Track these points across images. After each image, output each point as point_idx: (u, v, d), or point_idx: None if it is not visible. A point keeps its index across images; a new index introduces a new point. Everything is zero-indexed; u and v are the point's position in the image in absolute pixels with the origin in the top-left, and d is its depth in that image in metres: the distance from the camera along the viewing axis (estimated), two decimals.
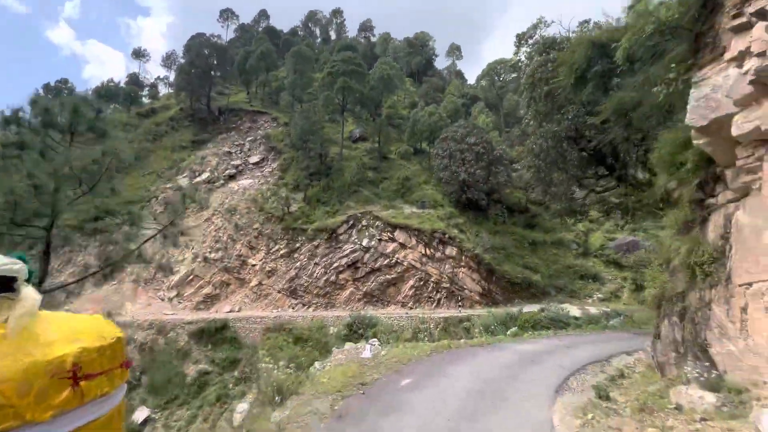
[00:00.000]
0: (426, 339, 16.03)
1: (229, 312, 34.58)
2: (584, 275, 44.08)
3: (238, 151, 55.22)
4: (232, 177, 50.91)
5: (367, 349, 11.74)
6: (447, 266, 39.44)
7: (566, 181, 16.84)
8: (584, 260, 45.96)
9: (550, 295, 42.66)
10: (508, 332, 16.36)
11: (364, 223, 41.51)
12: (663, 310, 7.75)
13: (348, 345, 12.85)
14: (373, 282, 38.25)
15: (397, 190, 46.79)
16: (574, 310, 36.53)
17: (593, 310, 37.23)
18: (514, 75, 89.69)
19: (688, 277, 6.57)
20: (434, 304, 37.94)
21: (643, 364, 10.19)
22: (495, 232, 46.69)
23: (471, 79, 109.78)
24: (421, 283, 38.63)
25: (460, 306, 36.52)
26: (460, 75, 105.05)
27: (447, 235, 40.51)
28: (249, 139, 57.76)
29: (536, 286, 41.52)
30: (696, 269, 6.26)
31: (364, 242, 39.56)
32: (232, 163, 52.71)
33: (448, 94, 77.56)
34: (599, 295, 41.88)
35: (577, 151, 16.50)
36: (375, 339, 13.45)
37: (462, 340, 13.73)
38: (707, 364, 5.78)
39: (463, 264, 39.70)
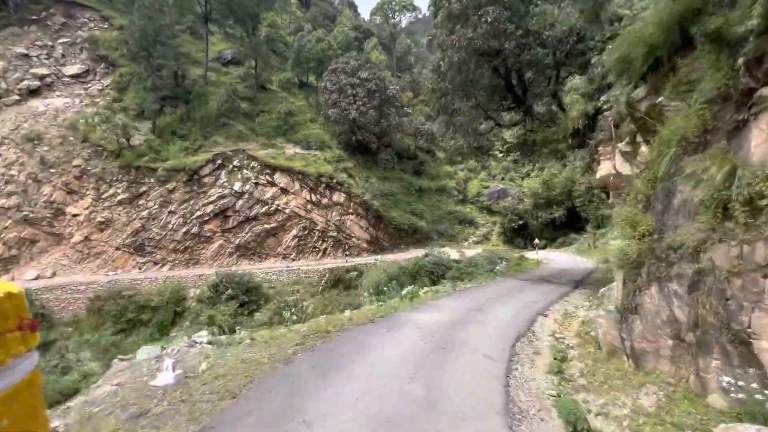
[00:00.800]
0: (295, 318, 12.56)
1: (36, 279, 25.15)
2: (462, 220, 47.01)
3: (45, 56, 39.00)
4: (34, 92, 35.93)
5: (166, 369, 6.23)
6: (334, 213, 36.45)
7: (473, 110, 14.94)
8: (463, 206, 48.91)
9: (433, 239, 44.44)
10: (404, 292, 14.27)
11: (236, 163, 34.53)
12: (649, 271, 5.90)
13: (145, 351, 7.98)
14: (248, 233, 32.83)
15: (278, 127, 40.17)
16: (453, 254, 38.50)
17: (469, 252, 40.02)
18: (409, 15, 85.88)
19: (713, 221, 4.62)
20: (320, 255, 35.09)
21: (574, 334, 8.79)
22: (384, 178, 45.23)
23: (364, 12, 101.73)
24: (306, 232, 34.97)
25: (347, 255, 34.48)
26: (352, 6, 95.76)
27: (335, 180, 37.00)
28: (63, 41, 41.15)
29: (421, 231, 42.43)
30: (736, 208, 4.24)
31: (237, 186, 33.10)
32: (34, 71, 37.02)
33: (339, 24, 69.51)
34: (474, 238, 45.51)
35: (490, 72, 14.48)
36: (202, 334, 8.72)
37: (346, 314, 10.62)
38: (751, 367, 3.96)
39: (351, 211, 37.26)
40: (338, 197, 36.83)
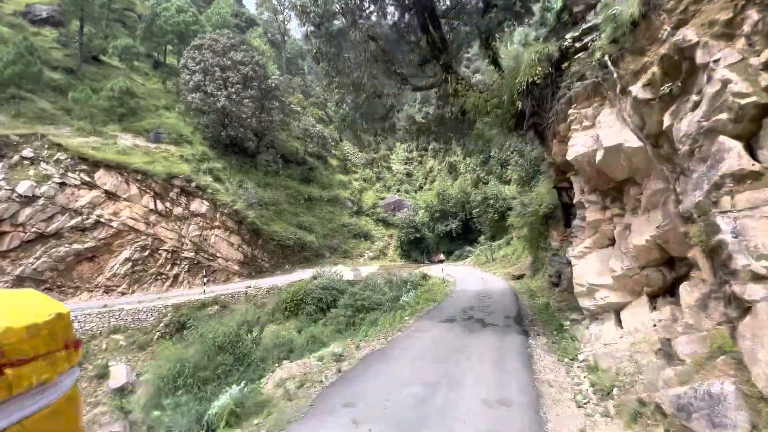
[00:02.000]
0: None
1: None
2: (357, 234, 42.55)
3: None
4: None
5: None
6: (193, 227, 27.59)
7: (371, 61, 10.30)
8: (358, 219, 44.64)
9: (324, 257, 38.72)
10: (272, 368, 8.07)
11: (26, 153, 23.05)
12: None
13: None
14: (41, 258, 21.69)
15: (109, 110, 29.31)
16: (347, 272, 33.39)
17: (366, 269, 35.51)
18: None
19: None
20: (167, 284, 25.74)
21: None
22: (266, 184, 37.82)
23: (250, 6, 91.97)
24: (146, 253, 25.27)
25: (205, 283, 26.02)
26: None
27: (194, 184, 28.26)
28: None
29: (310, 247, 36.28)
30: None
31: (22, 188, 21.78)
32: None
33: (215, 4, 59.46)
34: (370, 254, 41.46)
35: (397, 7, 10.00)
36: None
37: None
38: None
39: (217, 224, 28.89)
40: (199, 206, 28.14)
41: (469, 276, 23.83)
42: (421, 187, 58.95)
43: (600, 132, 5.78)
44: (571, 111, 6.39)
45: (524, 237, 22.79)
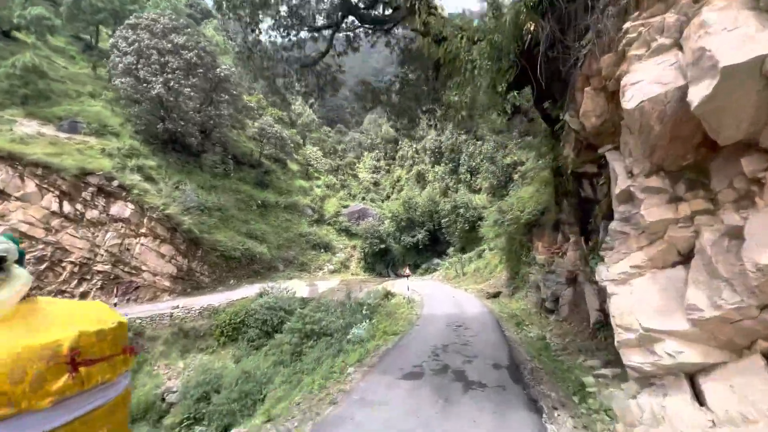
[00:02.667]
0: None
1: None
2: (317, 244, 38.78)
3: None
4: None
5: None
6: (111, 234, 22.82)
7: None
8: (318, 228, 40.93)
9: (277, 270, 34.58)
10: None
11: None
12: None
13: None
14: None
15: (9, 91, 24.11)
16: (302, 288, 29.62)
17: (324, 285, 31.83)
18: None
19: None
20: None
21: None
22: (212, 186, 33.41)
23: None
24: (43, 266, 20.28)
25: (116, 303, 21.23)
26: None
27: (117, 183, 23.56)
28: None
29: (261, 259, 32.08)
30: None
31: None
32: None
33: None
34: (330, 266, 37.78)
35: None
36: None
37: None
38: None
39: (144, 231, 24.25)
40: (121, 209, 23.44)
41: (438, 293, 21.00)
42: (388, 197, 56.30)
43: (706, 42, 3.02)
44: (629, 25, 3.77)
45: (501, 249, 20.41)
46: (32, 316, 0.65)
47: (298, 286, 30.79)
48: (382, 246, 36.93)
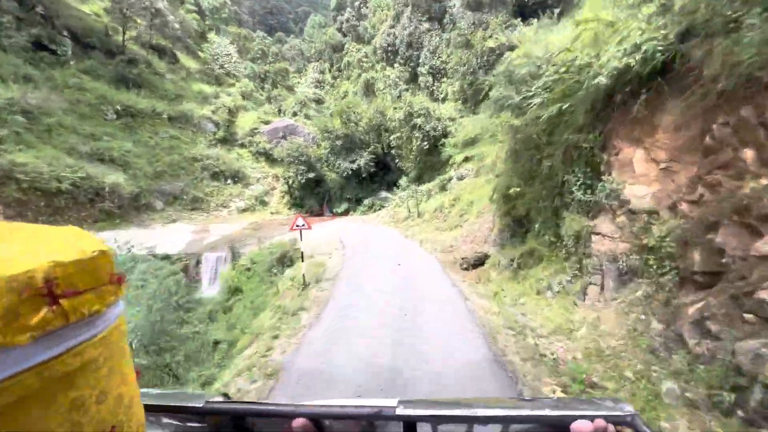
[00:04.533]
0: None
1: None
2: (220, 173, 27.82)
3: None
4: None
5: None
6: None
7: None
8: (224, 150, 29.54)
9: (153, 209, 23.90)
10: None
11: None
12: None
13: None
14: None
15: None
16: (181, 237, 19.86)
17: (219, 231, 21.96)
18: None
19: None
20: None
21: None
22: (25, 77, 20.62)
23: None
24: None
25: None
26: None
27: None
28: None
29: (119, 195, 21.07)
30: None
31: None
32: None
33: None
34: (240, 203, 27.55)
35: None
36: None
37: None
38: None
39: None
40: None
41: (377, 252, 12.29)
42: (331, 116, 44.69)
43: None
44: None
45: (492, 168, 11.57)
46: None
47: (180, 233, 20.79)
48: (312, 175, 26.94)
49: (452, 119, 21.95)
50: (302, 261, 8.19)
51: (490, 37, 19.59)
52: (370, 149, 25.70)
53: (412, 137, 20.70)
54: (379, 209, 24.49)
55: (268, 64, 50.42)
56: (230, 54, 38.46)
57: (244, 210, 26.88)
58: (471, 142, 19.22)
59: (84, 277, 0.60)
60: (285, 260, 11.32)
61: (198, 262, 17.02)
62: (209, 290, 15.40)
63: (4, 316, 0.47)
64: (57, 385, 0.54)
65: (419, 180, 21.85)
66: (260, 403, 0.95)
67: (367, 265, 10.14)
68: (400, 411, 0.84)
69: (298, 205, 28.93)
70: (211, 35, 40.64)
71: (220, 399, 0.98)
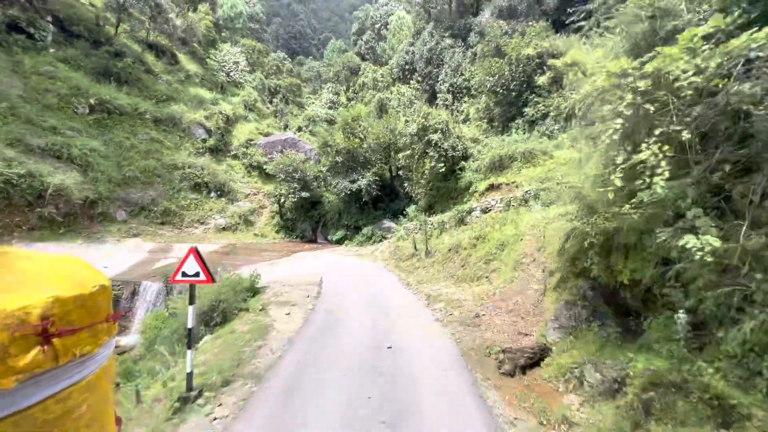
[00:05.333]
0: None
1: None
2: (202, 184, 24.34)
3: None
4: None
5: None
6: None
7: None
8: (212, 159, 26.25)
9: (112, 220, 20.35)
10: None
11: None
12: None
13: None
14: None
15: None
16: (123, 261, 16.09)
17: (179, 253, 18.03)
18: None
19: None
20: None
21: None
22: None
23: None
24: None
25: None
26: None
27: None
28: None
29: (66, 200, 17.54)
30: None
31: None
32: None
33: None
34: (220, 220, 23.81)
35: None
36: None
37: None
38: None
39: None
40: None
41: (360, 314, 8.16)
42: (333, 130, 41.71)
43: None
44: None
45: (565, 196, 7.45)
46: None
47: (127, 253, 16.96)
48: (305, 194, 23.22)
49: (475, 140, 18.22)
50: (189, 348, 4.03)
51: (529, 43, 16.16)
52: (374, 169, 21.97)
53: (425, 156, 16.91)
54: (380, 241, 20.41)
55: (280, 79, 48.57)
56: (238, 62, 36.22)
57: (224, 229, 23.09)
58: (499, 167, 15.35)
59: (81, 314, 0.55)
60: (214, 316, 7.19)
61: (134, 293, 12.99)
62: (132, 337, 11.25)
63: None
64: None
65: (430, 209, 17.85)
66: None
67: (336, 344, 5.96)
68: None
69: (288, 229, 25.06)
70: (224, 46, 38.77)
71: None
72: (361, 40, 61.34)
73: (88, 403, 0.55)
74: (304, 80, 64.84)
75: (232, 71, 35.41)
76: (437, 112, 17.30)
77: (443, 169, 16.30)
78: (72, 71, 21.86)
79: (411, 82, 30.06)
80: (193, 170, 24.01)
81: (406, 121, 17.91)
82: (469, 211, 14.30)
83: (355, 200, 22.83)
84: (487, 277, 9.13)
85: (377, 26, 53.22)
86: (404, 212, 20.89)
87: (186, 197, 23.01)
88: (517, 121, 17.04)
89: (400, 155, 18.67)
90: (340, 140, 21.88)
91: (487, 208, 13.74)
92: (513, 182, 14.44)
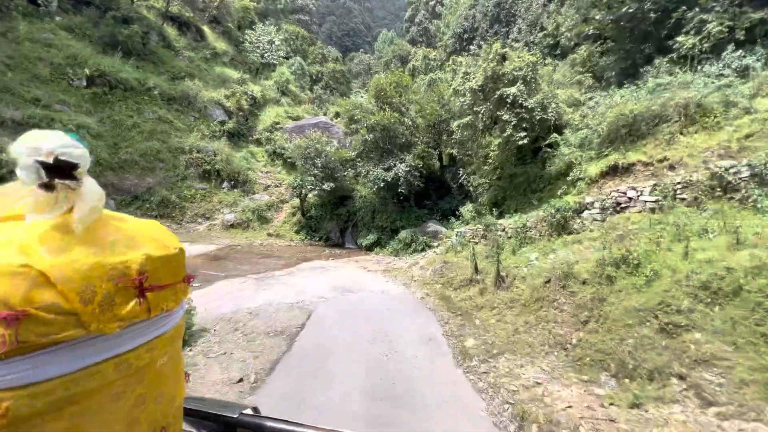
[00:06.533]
0: None
1: None
2: (213, 173, 20.53)
3: None
4: None
5: None
6: None
7: None
8: (231, 145, 22.43)
9: (105, 206, 17.20)
10: None
11: None
12: None
13: None
14: None
15: None
16: None
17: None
18: None
19: None
20: None
21: None
22: None
23: None
24: None
25: None
26: None
27: None
28: None
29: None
30: None
31: None
32: None
33: None
34: (230, 215, 19.77)
35: None
36: None
37: None
38: None
39: None
40: None
41: None
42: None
43: None
44: None
45: None
46: (98, 232, 0.57)
47: None
48: (329, 186, 18.26)
49: (574, 103, 11.79)
50: None
51: None
52: (417, 151, 16.30)
53: (492, 127, 10.91)
54: (422, 250, 14.72)
55: (324, 66, 44.83)
56: (273, 41, 32.63)
57: (233, 226, 18.93)
58: (628, 135, 8.89)
59: (167, 273, 0.61)
60: None
61: None
62: None
63: (101, 303, 0.50)
64: (129, 378, 0.53)
65: (497, 208, 11.75)
66: (294, 423, 0.88)
67: None
68: None
69: (310, 229, 20.31)
70: (260, 26, 35.64)
71: (251, 413, 0.92)
72: (413, 25, 56.26)
73: (169, 355, 0.61)
74: (354, 74, 61.21)
75: (266, 52, 31.88)
76: (516, 53, 11.14)
77: (525, 142, 10.12)
78: (74, 40, 19.16)
79: (471, 47, 23.86)
80: (203, 155, 20.25)
81: (465, 74, 11.93)
82: (578, 211, 8.07)
83: (393, 195, 17.33)
84: (684, 388, 3.11)
85: (431, 3, 47.47)
86: (457, 212, 14.96)
87: (191, 187, 19.24)
88: (657, 61, 10.35)
89: (455, 125, 12.77)
90: (374, 113, 16.45)
91: (618, 204, 7.45)
92: (663, 159, 7.95)
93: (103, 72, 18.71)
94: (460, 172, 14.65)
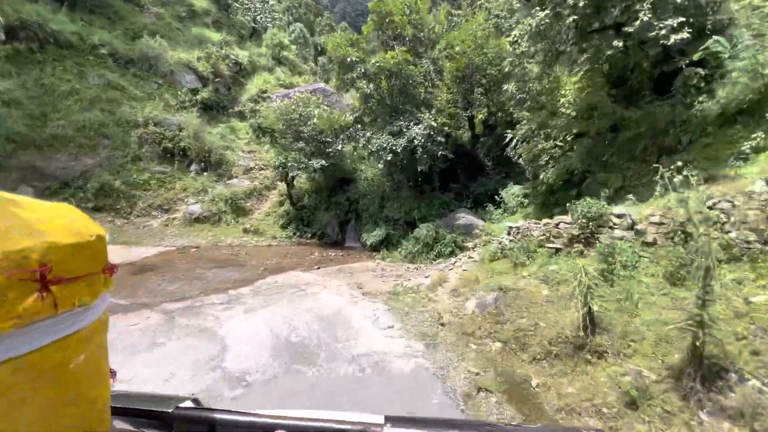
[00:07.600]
0: None
1: None
2: (176, 152, 16.10)
3: None
4: None
5: None
6: None
7: None
8: (205, 119, 17.95)
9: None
10: None
11: None
12: None
13: None
14: None
15: None
16: None
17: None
18: None
19: None
20: None
21: None
22: None
23: None
24: None
25: None
26: None
27: None
28: None
29: None
30: None
31: None
32: None
33: None
34: (195, 207, 15.45)
35: None
36: None
37: None
38: None
39: None
40: None
41: None
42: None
43: None
44: None
45: None
46: None
47: None
48: (319, 163, 13.44)
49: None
50: None
51: None
52: (440, 106, 11.20)
53: (539, 97, 5.74)
54: (450, 254, 9.82)
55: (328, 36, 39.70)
56: (267, 2, 27.69)
57: (198, 220, 14.47)
58: None
59: (79, 263, 0.54)
60: None
61: None
62: None
63: None
64: (32, 382, 0.48)
65: (573, 187, 6.63)
66: (236, 412, 0.82)
67: None
68: (388, 430, 0.74)
69: (301, 222, 15.63)
70: None
71: (191, 405, 0.86)
72: None
73: (86, 354, 0.55)
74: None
75: (259, 14, 27.04)
76: None
77: (677, 38, 4.93)
78: None
79: None
80: (164, 129, 15.80)
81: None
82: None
83: (409, 176, 12.32)
84: None
85: None
86: (497, 197, 9.88)
87: (145, 170, 14.86)
88: None
89: (508, 39, 7.63)
90: (375, 52, 11.33)
91: None
92: None
93: (28, 23, 14.41)
94: (508, 134, 9.50)
